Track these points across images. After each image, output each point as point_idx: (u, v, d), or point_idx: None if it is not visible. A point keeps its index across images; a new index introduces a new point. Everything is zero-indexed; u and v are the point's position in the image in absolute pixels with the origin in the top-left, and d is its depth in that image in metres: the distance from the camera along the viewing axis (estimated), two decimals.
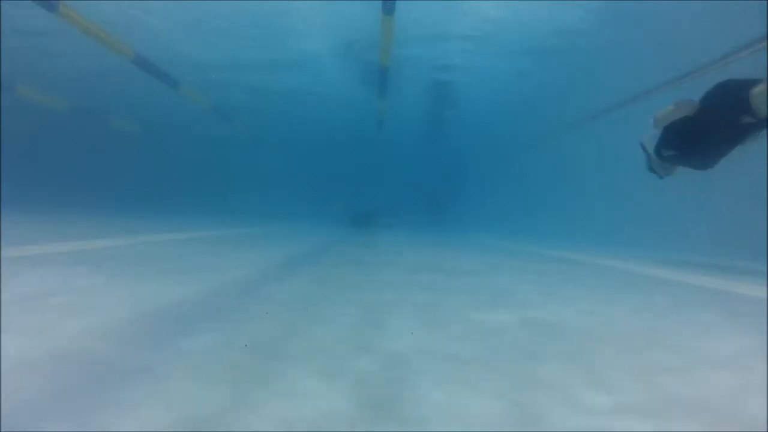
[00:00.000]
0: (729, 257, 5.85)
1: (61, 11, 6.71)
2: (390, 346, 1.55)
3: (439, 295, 2.61)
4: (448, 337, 1.70)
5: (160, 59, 9.41)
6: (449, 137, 17.00)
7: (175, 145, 18.78)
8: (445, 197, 20.98)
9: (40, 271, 2.72)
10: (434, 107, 13.35)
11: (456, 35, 8.45)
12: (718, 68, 6.30)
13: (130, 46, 8.53)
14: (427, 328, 1.85)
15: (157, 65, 9.60)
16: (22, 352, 1.34)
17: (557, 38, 8.37)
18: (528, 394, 1.18)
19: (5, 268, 2.72)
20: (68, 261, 3.26)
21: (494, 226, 14.44)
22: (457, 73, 10.41)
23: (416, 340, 1.66)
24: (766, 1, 5.37)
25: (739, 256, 5.83)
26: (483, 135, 15.55)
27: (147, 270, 3.00)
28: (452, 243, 8.32)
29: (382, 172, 21.68)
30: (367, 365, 1.34)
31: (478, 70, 10.09)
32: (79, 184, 17.28)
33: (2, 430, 0.91)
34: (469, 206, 19.28)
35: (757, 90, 3.44)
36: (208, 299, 2.24)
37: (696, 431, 1.06)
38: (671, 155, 3.84)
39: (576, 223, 10.58)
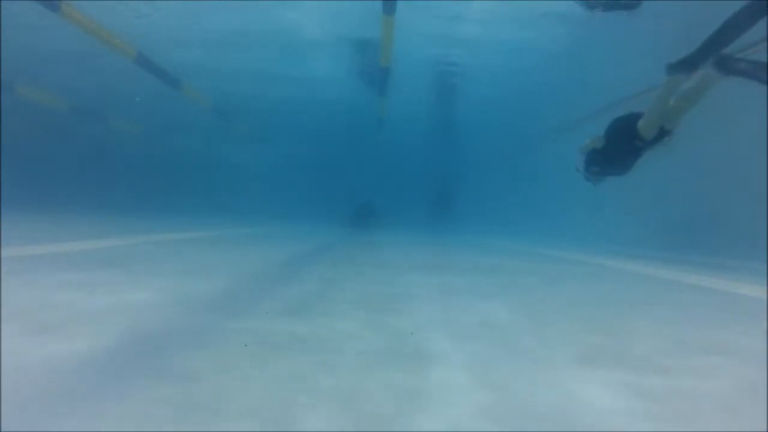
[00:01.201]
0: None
1: (63, 10, 6.67)
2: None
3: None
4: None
5: (160, 57, 9.33)
6: (454, 135, 16.79)
7: (175, 144, 18.74)
8: (451, 197, 20.18)
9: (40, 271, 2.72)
10: (438, 103, 13.18)
11: (461, 29, 8.34)
12: None
13: (132, 45, 8.50)
14: None
15: (158, 64, 9.56)
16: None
17: (562, 37, 8.28)
18: None
19: (5, 267, 2.71)
20: (69, 261, 3.26)
21: (503, 226, 14.34)
22: (461, 67, 10.28)
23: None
24: (766, 1, 5.36)
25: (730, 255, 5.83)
26: (487, 134, 15.39)
27: (152, 269, 2.99)
28: (457, 243, 8.31)
29: (384, 172, 21.53)
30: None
31: (482, 65, 9.95)
32: (79, 184, 17.25)
33: (2, 430, 0.91)
34: (475, 206, 19.05)
35: (641, 122, 4.88)
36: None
37: (695, 431, 1.07)
38: (596, 170, 5.42)
39: (580, 222, 10.50)
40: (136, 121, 16.20)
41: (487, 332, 1.85)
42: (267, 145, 19.72)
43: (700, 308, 2.65)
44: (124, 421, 0.97)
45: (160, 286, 2.45)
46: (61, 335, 1.55)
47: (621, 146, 5.07)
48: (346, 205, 16.67)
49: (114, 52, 8.44)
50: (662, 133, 4.88)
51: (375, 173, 21.62)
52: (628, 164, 5.23)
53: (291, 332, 1.71)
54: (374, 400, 1.14)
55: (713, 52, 4.44)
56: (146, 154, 18.98)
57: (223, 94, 12.66)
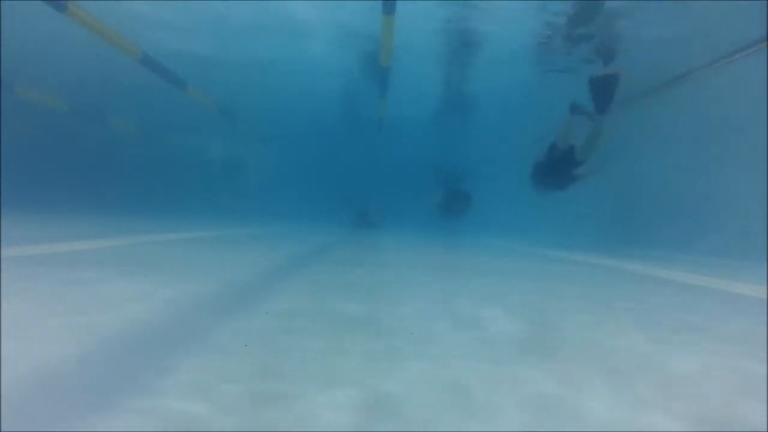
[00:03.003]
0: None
1: (70, 10, 6.64)
2: None
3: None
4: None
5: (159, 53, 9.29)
6: (464, 129, 16.32)
7: (175, 144, 18.74)
8: (467, 196, 17.37)
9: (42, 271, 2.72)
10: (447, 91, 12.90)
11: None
12: (719, 68, 6.30)
13: (137, 45, 8.49)
14: None
15: (163, 65, 9.54)
16: None
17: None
18: None
19: (5, 267, 2.71)
20: (70, 261, 3.26)
21: (513, 227, 13.98)
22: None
23: None
24: (766, 1, 5.37)
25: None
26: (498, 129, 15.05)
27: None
28: (461, 245, 8.31)
29: (389, 171, 21.20)
30: None
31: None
32: (79, 184, 17.23)
33: (2, 430, 0.92)
34: (488, 205, 18.09)
35: (556, 137, 6.69)
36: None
37: (694, 431, 1.07)
38: (540, 180, 7.06)
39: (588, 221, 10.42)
40: (136, 121, 16.21)
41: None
42: (268, 145, 19.71)
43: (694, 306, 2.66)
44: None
45: (151, 287, 2.46)
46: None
47: (555, 162, 6.76)
48: (349, 205, 16.56)
49: (120, 52, 8.43)
50: (578, 161, 6.69)
51: (378, 172, 21.35)
52: (562, 181, 6.91)
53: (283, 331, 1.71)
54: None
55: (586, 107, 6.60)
56: (147, 154, 18.97)
57: (226, 93, 12.68)
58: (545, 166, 6.94)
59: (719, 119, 6.65)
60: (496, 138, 15.16)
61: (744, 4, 5.75)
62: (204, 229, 7.81)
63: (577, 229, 10.01)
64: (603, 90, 6.62)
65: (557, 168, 6.79)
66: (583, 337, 1.86)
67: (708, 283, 3.62)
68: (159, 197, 17.83)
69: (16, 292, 2.12)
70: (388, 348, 1.57)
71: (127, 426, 0.95)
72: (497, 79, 10.37)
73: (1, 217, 6.68)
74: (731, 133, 6.55)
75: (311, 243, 6.59)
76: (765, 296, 3.03)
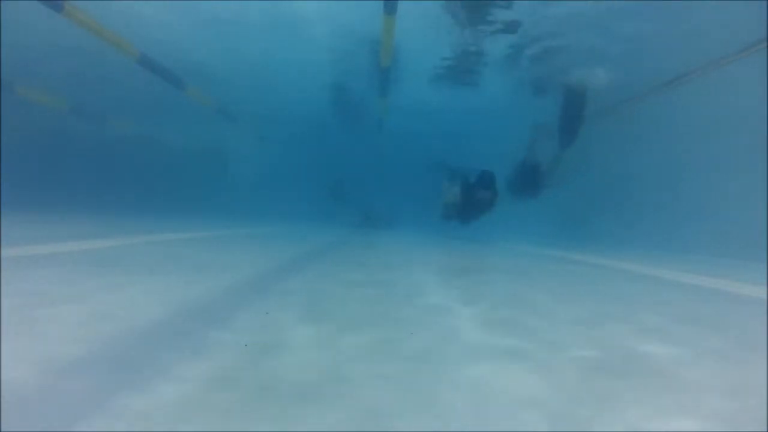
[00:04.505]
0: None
1: (66, 10, 6.62)
2: None
3: None
4: None
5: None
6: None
7: (176, 144, 18.71)
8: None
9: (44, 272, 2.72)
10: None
11: None
12: (718, 68, 6.30)
13: (135, 45, 8.47)
14: None
15: (162, 65, 9.51)
16: None
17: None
18: None
19: (5, 267, 2.71)
20: (73, 261, 3.26)
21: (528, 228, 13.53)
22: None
23: None
24: (766, 1, 5.37)
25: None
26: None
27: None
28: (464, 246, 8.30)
29: (391, 171, 21.00)
30: None
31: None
32: (79, 184, 17.21)
33: (2, 430, 0.91)
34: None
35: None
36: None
37: (696, 431, 1.07)
38: (516, 187, 8.29)
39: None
40: (135, 121, 16.20)
41: None
42: (269, 145, 19.67)
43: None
44: None
45: (150, 288, 2.46)
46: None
47: (525, 174, 8.14)
48: (348, 204, 16.48)
49: (118, 52, 8.40)
50: (543, 172, 8.01)
51: (380, 173, 21.17)
52: (532, 189, 8.21)
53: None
54: None
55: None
56: (146, 154, 18.94)
57: (226, 93, 12.66)
58: (517, 178, 8.26)
59: (719, 119, 6.65)
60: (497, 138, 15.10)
61: (744, 4, 5.75)
62: (204, 229, 7.80)
63: (577, 229, 10.02)
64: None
65: (527, 179, 8.12)
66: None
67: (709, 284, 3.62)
68: (159, 197, 17.82)
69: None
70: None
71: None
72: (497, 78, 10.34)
73: (1, 217, 6.68)
74: (731, 132, 6.56)
75: (311, 244, 6.58)
76: (765, 296, 3.03)
